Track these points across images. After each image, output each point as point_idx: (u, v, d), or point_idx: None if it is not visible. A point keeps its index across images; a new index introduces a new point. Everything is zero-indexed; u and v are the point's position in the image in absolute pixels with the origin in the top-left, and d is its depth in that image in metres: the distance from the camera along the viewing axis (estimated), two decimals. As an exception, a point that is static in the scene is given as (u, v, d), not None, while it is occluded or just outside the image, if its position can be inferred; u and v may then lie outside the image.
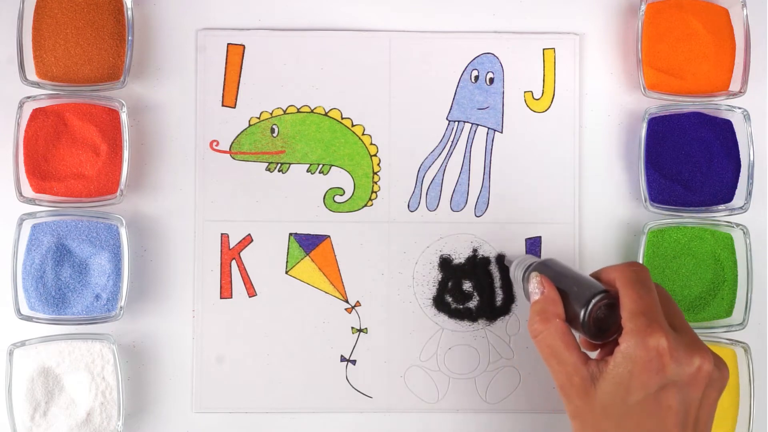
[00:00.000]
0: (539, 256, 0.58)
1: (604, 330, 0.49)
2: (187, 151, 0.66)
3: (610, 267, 0.50)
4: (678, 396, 0.45)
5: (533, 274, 0.53)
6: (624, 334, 0.46)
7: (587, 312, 0.48)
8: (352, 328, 0.66)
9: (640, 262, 0.64)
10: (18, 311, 0.62)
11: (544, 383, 0.65)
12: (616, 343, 0.47)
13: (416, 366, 0.65)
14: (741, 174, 0.65)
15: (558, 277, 0.52)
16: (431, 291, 0.66)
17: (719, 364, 0.47)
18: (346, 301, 0.66)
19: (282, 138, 0.66)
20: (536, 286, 0.52)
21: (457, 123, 0.66)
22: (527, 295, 0.53)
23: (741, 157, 0.65)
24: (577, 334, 0.50)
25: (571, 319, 0.49)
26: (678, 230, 0.65)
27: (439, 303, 0.66)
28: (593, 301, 0.48)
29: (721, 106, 0.66)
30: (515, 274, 0.59)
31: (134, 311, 0.65)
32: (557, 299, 0.51)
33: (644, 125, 0.65)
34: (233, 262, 0.65)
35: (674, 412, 0.45)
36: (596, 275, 0.51)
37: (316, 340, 0.65)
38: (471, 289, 0.66)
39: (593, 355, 0.50)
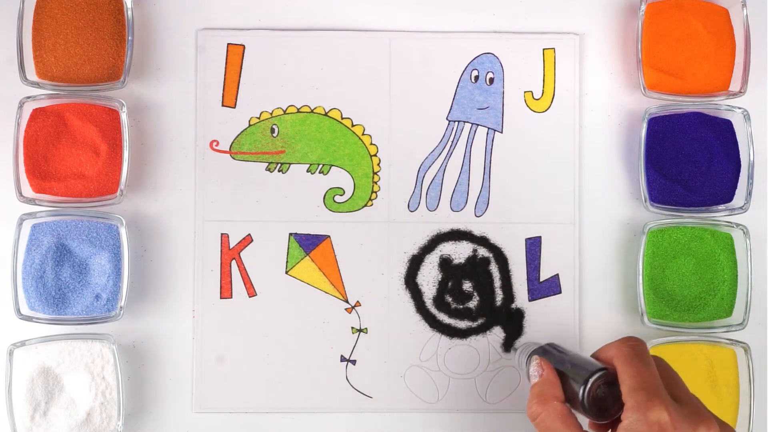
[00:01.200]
0: (541, 344, 0.58)
1: (607, 409, 0.48)
2: (187, 151, 0.66)
3: (607, 345, 0.50)
4: None
5: (533, 357, 0.53)
6: (625, 411, 0.45)
7: (586, 391, 0.48)
8: (352, 328, 0.66)
9: (640, 262, 0.64)
10: (18, 311, 0.62)
11: None
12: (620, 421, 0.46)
13: (416, 366, 0.65)
14: (741, 174, 0.65)
15: (557, 359, 0.52)
16: (431, 291, 0.66)
17: (725, 429, 0.46)
18: (346, 301, 0.66)
19: (282, 138, 0.66)
20: (535, 369, 0.52)
21: (457, 123, 0.66)
22: (529, 379, 0.53)
23: (741, 157, 0.65)
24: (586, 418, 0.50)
25: (572, 401, 0.49)
26: (678, 230, 0.65)
27: (439, 303, 0.66)
28: (591, 380, 0.48)
29: (721, 106, 0.66)
30: (519, 360, 0.58)
31: (134, 311, 0.65)
32: (555, 381, 0.50)
33: (644, 125, 0.65)
34: (233, 262, 0.65)
35: None
36: (595, 354, 0.51)
37: (316, 340, 0.65)
38: (471, 289, 0.66)
39: None
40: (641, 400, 0.44)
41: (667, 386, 0.47)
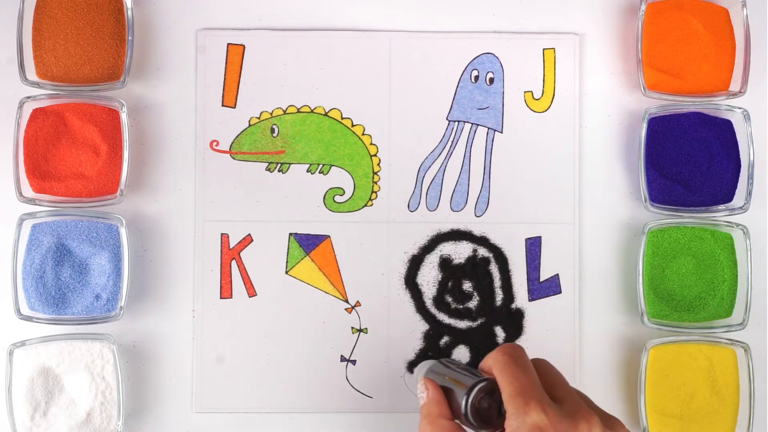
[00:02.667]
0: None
1: (492, 419, 0.48)
2: (187, 151, 0.66)
3: (487, 355, 0.50)
4: None
5: (419, 378, 0.53)
6: (507, 418, 0.45)
7: (468, 404, 0.48)
8: (352, 328, 0.66)
9: (640, 262, 0.64)
10: (18, 311, 0.62)
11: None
12: None
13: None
14: (741, 174, 0.65)
15: (443, 377, 0.52)
16: (431, 291, 0.66)
17: (610, 422, 0.46)
18: (346, 301, 0.66)
19: (282, 138, 0.66)
20: (421, 390, 0.52)
21: (457, 123, 0.66)
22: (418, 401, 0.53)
23: (741, 157, 0.65)
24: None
25: (461, 415, 0.49)
26: (678, 230, 0.65)
27: (439, 303, 0.66)
28: (472, 393, 0.48)
29: (721, 106, 0.66)
30: (410, 385, 0.58)
31: (134, 311, 0.65)
32: (441, 399, 0.51)
33: (644, 125, 0.65)
34: (233, 262, 0.65)
35: None
36: (480, 366, 0.51)
37: (316, 340, 0.65)
38: (471, 289, 0.66)
39: None
40: (519, 405, 0.45)
41: (547, 387, 0.47)
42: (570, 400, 0.46)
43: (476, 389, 0.48)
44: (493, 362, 0.48)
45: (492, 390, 0.48)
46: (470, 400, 0.48)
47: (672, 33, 0.66)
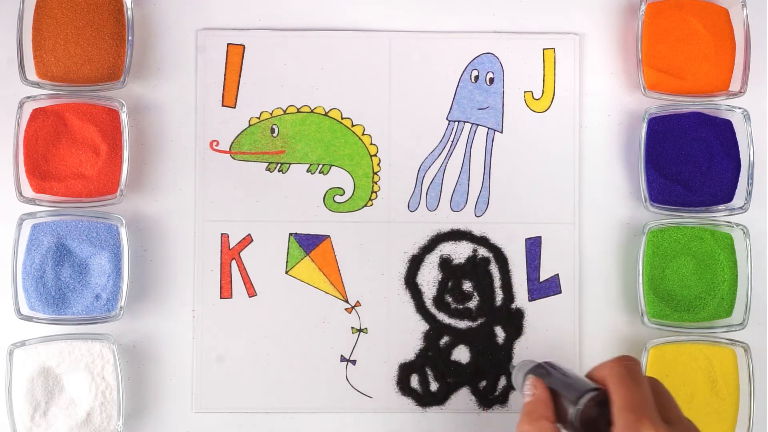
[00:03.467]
0: (540, 361, 0.57)
1: (599, 430, 0.47)
2: (187, 151, 0.66)
3: (601, 364, 0.49)
4: None
5: (528, 376, 0.53)
6: (614, 430, 0.45)
7: (577, 411, 0.47)
8: (352, 328, 0.66)
9: (640, 263, 0.64)
10: (18, 311, 0.62)
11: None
12: None
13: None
14: (741, 174, 0.65)
15: (552, 378, 0.52)
16: (431, 291, 0.66)
17: None
18: (346, 301, 0.66)
19: (282, 138, 0.66)
20: (529, 388, 0.52)
21: (457, 123, 0.66)
22: (523, 398, 0.53)
23: (741, 157, 0.65)
24: None
25: (565, 420, 0.49)
26: (678, 230, 0.65)
27: (439, 303, 0.66)
28: (582, 400, 0.47)
29: (721, 106, 0.66)
30: (516, 378, 0.57)
31: (134, 311, 0.65)
32: (547, 400, 0.50)
33: (644, 125, 0.65)
34: (233, 262, 0.65)
35: None
36: (590, 374, 0.50)
37: (316, 340, 0.65)
38: (471, 289, 0.66)
39: None
40: (630, 420, 0.44)
41: (661, 408, 0.46)
42: (681, 425, 0.46)
43: (588, 396, 0.47)
44: (608, 373, 0.47)
45: (603, 401, 0.47)
46: (580, 406, 0.47)
47: (672, 33, 0.66)
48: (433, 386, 0.65)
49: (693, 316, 0.65)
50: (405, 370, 0.65)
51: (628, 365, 0.48)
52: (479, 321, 0.66)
